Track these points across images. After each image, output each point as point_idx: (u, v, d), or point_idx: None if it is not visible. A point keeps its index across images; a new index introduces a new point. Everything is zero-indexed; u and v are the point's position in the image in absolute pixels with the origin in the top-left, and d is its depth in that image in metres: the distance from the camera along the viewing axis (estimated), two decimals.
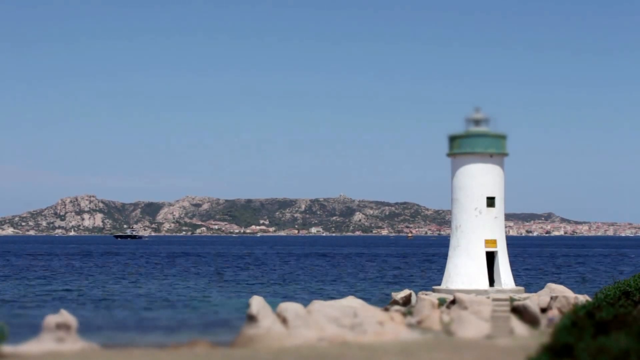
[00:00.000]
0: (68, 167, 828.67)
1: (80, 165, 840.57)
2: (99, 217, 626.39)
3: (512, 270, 43.17)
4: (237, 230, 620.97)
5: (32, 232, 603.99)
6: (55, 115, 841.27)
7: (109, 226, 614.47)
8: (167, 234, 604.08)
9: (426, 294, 39.11)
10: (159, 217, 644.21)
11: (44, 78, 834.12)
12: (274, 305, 31.74)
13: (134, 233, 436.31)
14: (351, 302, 34.92)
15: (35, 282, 79.50)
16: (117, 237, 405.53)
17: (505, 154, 42.28)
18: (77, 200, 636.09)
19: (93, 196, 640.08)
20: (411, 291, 41.44)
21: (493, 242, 41.38)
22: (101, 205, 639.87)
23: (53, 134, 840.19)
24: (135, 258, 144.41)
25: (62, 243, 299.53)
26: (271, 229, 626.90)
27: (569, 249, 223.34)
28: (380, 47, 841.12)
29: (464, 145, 41.83)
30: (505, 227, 43.82)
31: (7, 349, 25.19)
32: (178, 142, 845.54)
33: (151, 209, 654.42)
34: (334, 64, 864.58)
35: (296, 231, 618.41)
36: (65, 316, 27.67)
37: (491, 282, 41.20)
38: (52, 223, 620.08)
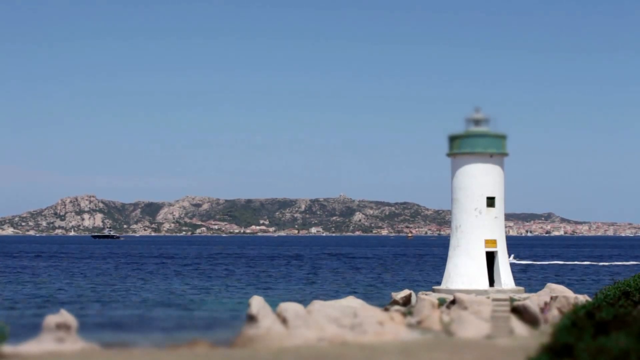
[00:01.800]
0: (68, 167, 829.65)
1: (80, 165, 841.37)
2: (99, 217, 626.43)
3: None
4: (237, 230, 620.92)
5: (32, 232, 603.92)
6: (55, 115, 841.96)
7: (109, 226, 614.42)
8: (167, 234, 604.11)
9: (426, 294, 39.10)
10: (159, 217, 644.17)
11: (44, 78, 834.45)
12: (274, 306, 31.74)
13: (111, 233, 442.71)
14: (351, 302, 34.93)
15: (34, 282, 79.50)
16: (94, 237, 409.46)
17: (505, 154, 42.26)
18: (77, 200, 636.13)
19: (93, 196, 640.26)
20: (411, 291, 41.43)
21: (493, 242, 41.36)
22: (101, 205, 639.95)
23: (53, 134, 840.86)
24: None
25: (37, 243, 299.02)
26: (271, 229, 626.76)
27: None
28: (380, 47, 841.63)
29: (464, 145, 41.81)
30: (505, 227, 43.81)
31: (7, 349, 25.18)
32: (178, 142, 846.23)
33: (151, 209, 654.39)
34: (335, 64, 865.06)
35: (296, 231, 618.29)
36: (65, 316, 27.66)
37: (491, 282, 41.19)
38: (52, 223, 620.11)
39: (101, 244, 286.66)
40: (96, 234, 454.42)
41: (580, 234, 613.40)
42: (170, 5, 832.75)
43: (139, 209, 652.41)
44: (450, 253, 42.35)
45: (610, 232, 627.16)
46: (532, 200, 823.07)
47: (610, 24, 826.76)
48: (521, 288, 42.16)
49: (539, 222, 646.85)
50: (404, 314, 35.96)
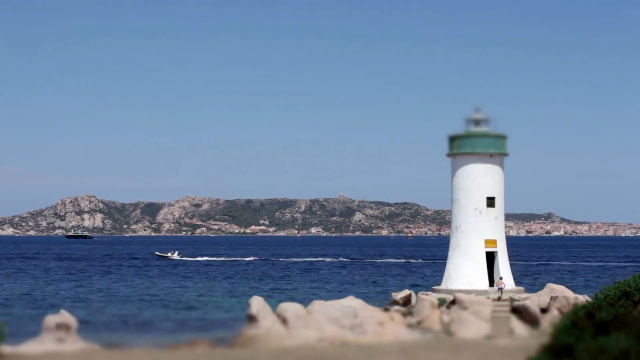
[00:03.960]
0: (68, 167, 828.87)
1: (80, 165, 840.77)
2: (99, 217, 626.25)
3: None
4: (237, 231, 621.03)
5: (32, 233, 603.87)
6: (55, 115, 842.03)
7: (109, 226, 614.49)
8: (167, 234, 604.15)
9: (426, 294, 39.11)
10: (159, 217, 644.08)
11: (44, 78, 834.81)
12: (274, 306, 31.76)
13: (84, 233, 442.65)
14: (351, 303, 34.93)
15: (34, 282, 79.52)
16: (68, 237, 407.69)
17: (505, 154, 42.27)
18: (77, 200, 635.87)
19: (93, 196, 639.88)
20: (411, 291, 41.43)
21: (493, 242, 41.38)
22: (101, 205, 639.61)
23: (53, 134, 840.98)
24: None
25: (12, 243, 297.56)
26: (271, 229, 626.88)
27: None
28: (380, 47, 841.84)
29: (464, 146, 41.84)
30: (505, 227, 43.83)
31: (7, 349, 25.18)
32: (178, 142, 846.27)
33: (151, 209, 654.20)
34: (334, 64, 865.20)
35: (296, 231, 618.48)
36: (65, 316, 27.67)
37: (491, 282, 41.20)
38: (52, 223, 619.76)
39: (74, 244, 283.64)
40: (70, 234, 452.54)
41: (581, 234, 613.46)
42: (171, 5, 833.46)
43: (139, 209, 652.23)
44: (450, 253, 42.35)
45: (610, 232, 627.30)
46: (532, 200, 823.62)
47: (611, 24, 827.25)
48: (521, 288, 42.20)
49: (539, 223, 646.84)
50: (404, 314, 35.97)
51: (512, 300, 37.25)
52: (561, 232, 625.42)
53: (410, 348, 27.47)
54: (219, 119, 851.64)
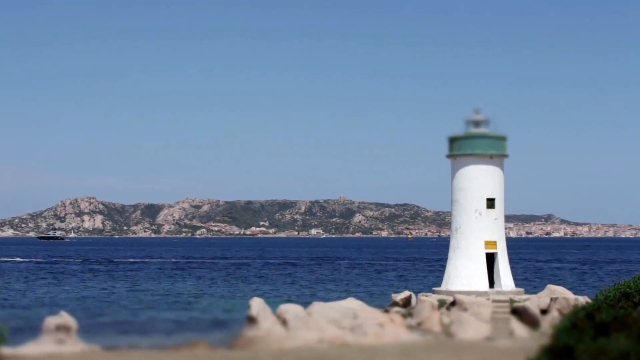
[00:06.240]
0: (68, 168, 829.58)
1: (80, 166, 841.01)
2: (98, 218, 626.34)
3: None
4: (237, 232, 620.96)
5: (32, 234, 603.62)
6: (56, 116, 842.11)
7: (109, 228, 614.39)
8: (167, 236, 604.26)
9: (426, 296, 39.10)
10: (159, 218, 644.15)
11: (43, 78, 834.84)
12: (274, 307, 31.76)
13: (57, 234, 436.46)
14: (351, 304, 34.92)
15: (34, 283, 79.52)
16: (40, 238, 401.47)
17: (505, 156, 42.26)
18: (77, 201, 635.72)
19: (93, 198, 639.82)
20: (411, 293, 41.39)
21: (493, 244, 41.36)
22: (101, 206, 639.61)
23: (53, 134, 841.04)
24: None
25: None
26: (271, 231, 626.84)
27: None
28: (380, 47, 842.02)
29: (463, 147, 41.82)
30: (505, 228, 43.80)
31: (7, 350, 25.18)
32: (178, 143, 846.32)
33: (151, 211, 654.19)
34: (334, 65, 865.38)
35: (296, 233, 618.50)
36: (65, 318, 27.67)
37: (491, 283, 41.19)
38: (52, 225, 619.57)
39: (45, 245, 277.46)
40: (42, 235, 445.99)
41: (581, 235, 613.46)
42: (170, 5, 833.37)
43: (139, 211, 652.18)
44: (450, 255, 42.34)
45: (610, 234, 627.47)
46: (532, 201, 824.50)
47: (611, 24, 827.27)
48: (521, 289, 42.15)
49: (539, 224, 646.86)
50: (404, 316, 35.96)
51: (512, 301, 37.25)
52: (561, 234, 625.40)
53: (410, 349, 27.49)
54: (219, 119, 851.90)
